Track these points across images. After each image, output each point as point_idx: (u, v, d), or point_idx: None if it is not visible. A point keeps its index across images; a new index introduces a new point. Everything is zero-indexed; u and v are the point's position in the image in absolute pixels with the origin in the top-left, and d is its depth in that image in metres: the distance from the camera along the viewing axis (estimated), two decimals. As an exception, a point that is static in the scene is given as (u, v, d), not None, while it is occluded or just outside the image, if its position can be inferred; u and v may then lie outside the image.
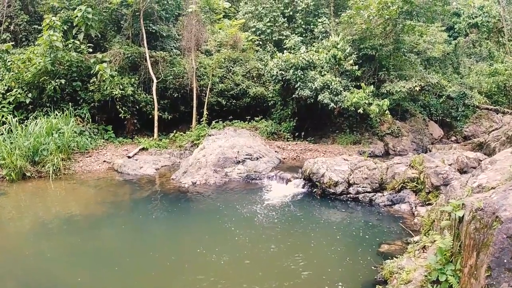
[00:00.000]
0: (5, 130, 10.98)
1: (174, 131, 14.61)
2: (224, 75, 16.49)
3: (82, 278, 4.83)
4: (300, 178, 8.96)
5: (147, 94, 15.05)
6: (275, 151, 12.11)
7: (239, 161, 10.50)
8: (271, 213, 7.27)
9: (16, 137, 10.56)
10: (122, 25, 16.07)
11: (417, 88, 14.06)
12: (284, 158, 11.82)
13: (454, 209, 4.01)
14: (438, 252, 4.11)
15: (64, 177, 10.21)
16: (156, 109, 14.61)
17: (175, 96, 15.59)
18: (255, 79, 17.01)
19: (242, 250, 5.60)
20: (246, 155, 10.80)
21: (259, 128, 14.62)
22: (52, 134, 10.96)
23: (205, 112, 14.78)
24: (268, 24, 18.11)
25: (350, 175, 8.23)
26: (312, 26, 17.59)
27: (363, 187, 8.00)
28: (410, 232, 6.18)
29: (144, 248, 5.87)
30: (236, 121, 15.13)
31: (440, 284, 3.89)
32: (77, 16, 13.50)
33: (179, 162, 11.89)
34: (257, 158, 10.75)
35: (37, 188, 9.42)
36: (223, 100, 15.97)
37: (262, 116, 15.61)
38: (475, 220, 3.59)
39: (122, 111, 13.91)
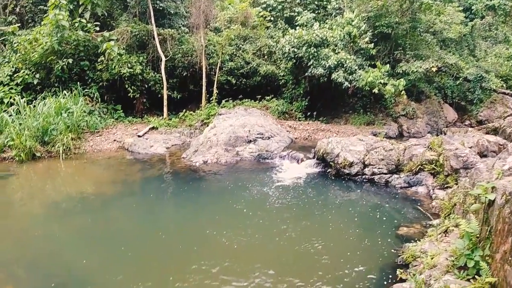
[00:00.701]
0: (13, 111, 10.86)
1: (184, 110, 14.38)
2: (234, 53, 16.04)
3: (90, 260, 4.72)
4: (313, 158, 8.74)
5: (155, 73, 14.79)
6: (287, 131, 11.86)
7: (250, 140, 10.29)
8: (284, 194, 7.09)
9: (25, 118, 10.46)
10: (128, 3, 15.70)
11: (434, 69, 13.51)
12: (295, 138, 11.57)
13: (484, 193, 3.78)
14: (466, 237, 3.91)
15: (74, 156, 10.15)
16: (165, 88, 14.36)
17: (184, 74, 15.29)
18: (265, 57, 16.53)
19: (254, 233, 5.46)
20: (258, 134, 10.58)
21: (270, 108, 14.31)
22: (61, 114, 10.84)
23: (215, 91, 14.48)
24: (279, 0, 17.43)
25: (366, 155, 7.97)
26: (325, 3, 16.83)
27: (379, 168, 7.76)
28: (429, 215, 5.97)
29: (154, 229, 5.78)
30: (246, 100, 14.81)
31: (467, 270, 3.71)
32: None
33: (189, 141, 11.73)
34: (269, 138, 10.53)
35: (48, 168, 9.38)
36: (233, 79, 15.60)
37: (273, 95, 15.24)
38: (510, 203, 3.36)
39: (131, 90, 13.70)
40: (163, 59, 14.33)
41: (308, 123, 13.03)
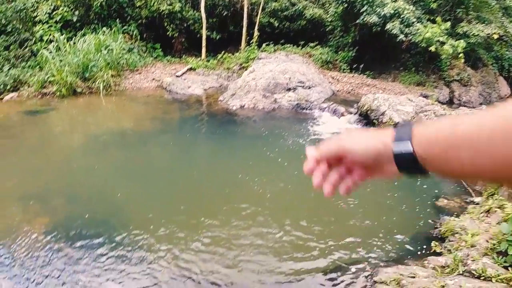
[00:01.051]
0: (53, 48, 10.88)
1: (223, 52, 13.91)
2: None
3: (124, 194, 4.81)
4: (355, 114, 8.22)
5: (195, 11, 14.17)
6: (329, 82, 11.19)
7: (290, 88, 9.84)
8: None
9: (65, 55, 10.47)
10: None
11: (495, 36, 11.84)
12: (337, 91, 10.93)
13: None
14: (510, 221, 3.51)
15: (114, 93, 10.27)
16: (204, 27, 13.79)
17: (224, 14, 14.54)
18: None
19: (288, 183, 5.31)
20: (298, 82, 10.07)
21: (313, 55, 13.45)
22: (100, 51, 10.79)
23: (256, 33, 13.72)
24: None
25: (414, 118, 7.34)
26: None
27: (427, 131, 7.15)
28: (471, 191, 5.48)
29: (189, 167, 5.79)
30: (288, 45, 13.96)
31: (506, 256, 3.37)
32: None
33: (227, 84, 11.46)
34: (310, 87, 10.00)
35: (88, 103, 9.57)
36: (275, 21, 14.67)
37: (317, 42, 14.26)
38: None
39: (170, 29, 13.34)
40: (201, -5, 13.60)
41: (352, 76, 12.18)
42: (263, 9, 14.33)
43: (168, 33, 13.35)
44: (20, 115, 8.58)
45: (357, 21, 11.90)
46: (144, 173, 5.58)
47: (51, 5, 12.64)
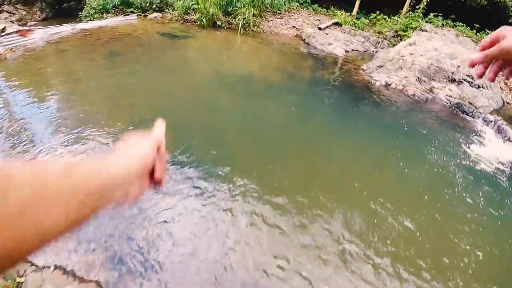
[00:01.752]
0: None
1: (377, 12, 11.72)
2: None
3: (231, 139, 4.30)
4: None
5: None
6: (500, 88, 8.26)
7: (454, 80, 7.50)
8: (479, 179, 4.57)
9: None
10: None
11: None
12: (508, 103, 7.99)
13: None
14: None
15: (252, 33, 9.58)
16: (366, -23, 11.67)
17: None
18: None
19: (419, 217, 3.80)
20: (467, 75, 7.61)
21: None
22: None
23: (425, -2, 10.95)
24: None
25: None
26: None
27: None
28: None
29: (305, 139, 4.74)
30: (460, 24, 10.88)
31: None
32: None
33: (374, 51, 9.61)
34: (478, 87, 7.45)
35: (224, 39, 9.10)
36: None
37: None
38: None
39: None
40: None
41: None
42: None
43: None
44: (159, 36, 8.67)
45: None
46: (257, 128, 4.81)
47: None
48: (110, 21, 10.61)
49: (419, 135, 5.64)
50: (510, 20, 11.02)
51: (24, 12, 15.78)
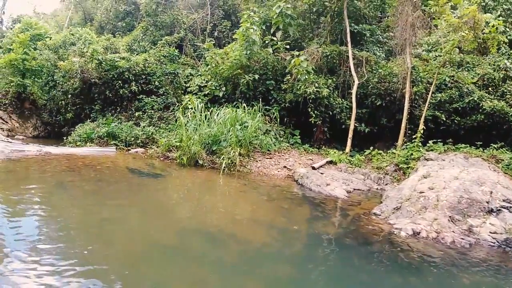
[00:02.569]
0: (190, 114, 10.33)
1: (371, 148, 10.87)
2: (444, 81, 11.68)
3: None
4: None
5: (343, 100, 12.13)
6: None
7: (492, 210, 5.74)
8: None
9: (200, 123, 9.72)
10: (320, 26, 14.14)
11: None
12: None
13: None
14: None
15: (237, 174, 8.30)
16: (353, 116, 11.38)
17: (377, 104, 12.01)
18: (490, 88, 11.44)
19: None
20: (504, 200, 5.92)
21: (501, 161, 8.99)
22: (235, 125, 9.43)
23: (421, 126, 10.26)
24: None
25: None
26: None
27: None
28: None
29: None
30: (462, 145, 9.96)
31: None
32: (275, 13, 12.31)
33: (378, 189, 8.09)
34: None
35: (205, 180, 7.83)
36: (442, 115, 11.23)
37: (503, 144, 9.92)
38: None
39: (314, 115, 11.44)
40: (356, 81, 11.49)
41: None
42: (424, 100, 11.14)
43: (311, 119, 11.44)
44: (126, 171, 7.96)
45: None
46: None
47: (203, 80, 12.88)
48: (84, 150, 10.15)
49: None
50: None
51: (17, 124, 14.97)
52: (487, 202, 5.89)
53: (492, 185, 6.26)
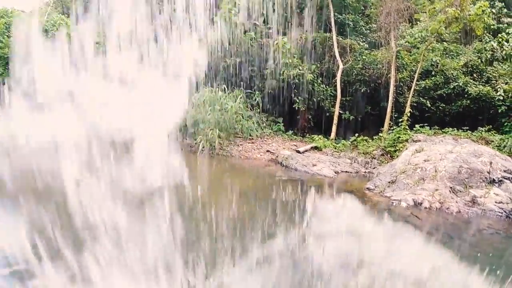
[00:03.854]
0: None
1: (356, 135, 10.29)
2: (429, 67, 11.30)
3: None
4: None
5: (327, 87, 11.52)
6: None
7: (493, 180, 5.24)
8: None
9: None
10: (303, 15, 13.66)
11: None
12: None
13: None
14: None
15: (217, 157, 7.49)
16: (338, 103, 10.80)
17: (362, 91, 11.47)
18: (474, 75, 11.05)
19: None
20: (505, 170, 5.44)
21: (491, 142, 8.62)
22: (214, 106, 8.57)
23: (408, 109, 9.78)
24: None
25: None
26: None
27: None
28: None
29: None
30: (450, 129, 9.55)
31: None
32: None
33: (366, 172, 7.45)
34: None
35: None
36: (427, 102, 10.84)
37: (491, 127, 9.59)
38: None
39: (297, 101, 10.75)
40: (341, 66, 10.89)
41: None
42: (409, 87, 10.70)
43: (294, 105, 10.76)
44: None
45: None
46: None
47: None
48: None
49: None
50: (502, 111, 9.83)
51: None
52: (488, 173, 5.37)
53: (490, 156, 5.75)
